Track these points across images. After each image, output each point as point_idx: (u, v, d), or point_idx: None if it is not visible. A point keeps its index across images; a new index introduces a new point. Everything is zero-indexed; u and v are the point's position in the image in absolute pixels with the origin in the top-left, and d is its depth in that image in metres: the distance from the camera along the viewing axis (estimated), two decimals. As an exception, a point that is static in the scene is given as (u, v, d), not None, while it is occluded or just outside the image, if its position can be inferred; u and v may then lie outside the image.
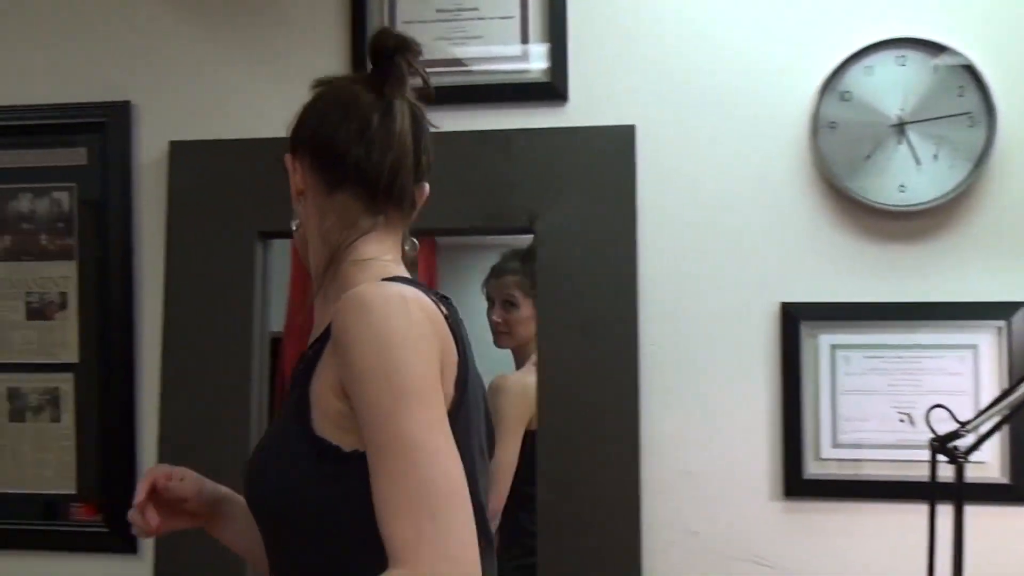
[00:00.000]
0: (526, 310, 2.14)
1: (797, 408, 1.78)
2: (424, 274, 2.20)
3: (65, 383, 1.96)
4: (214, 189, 1.89)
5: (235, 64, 1.94)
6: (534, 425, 2.07)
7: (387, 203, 1.12)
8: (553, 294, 1.81)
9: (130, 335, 1.94)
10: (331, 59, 1.90)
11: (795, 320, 1.79)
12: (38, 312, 1.97)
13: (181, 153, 1.92)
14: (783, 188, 1.82)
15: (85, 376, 1.95)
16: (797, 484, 1.78)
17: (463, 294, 2.28)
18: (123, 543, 1.92)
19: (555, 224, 1.81)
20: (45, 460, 1.95)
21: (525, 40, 1.86)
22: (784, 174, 1.82)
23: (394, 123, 1.10)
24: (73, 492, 1.94)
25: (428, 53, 1.82)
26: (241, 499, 1.22)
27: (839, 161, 1.78)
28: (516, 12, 1.86)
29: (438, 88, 1.77)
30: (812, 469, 1.78)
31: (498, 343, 2.20)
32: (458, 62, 1.88)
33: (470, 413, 1.05)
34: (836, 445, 1.78)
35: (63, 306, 1.96)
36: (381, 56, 1.13)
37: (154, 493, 1.22)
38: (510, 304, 2.17)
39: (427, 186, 1.19)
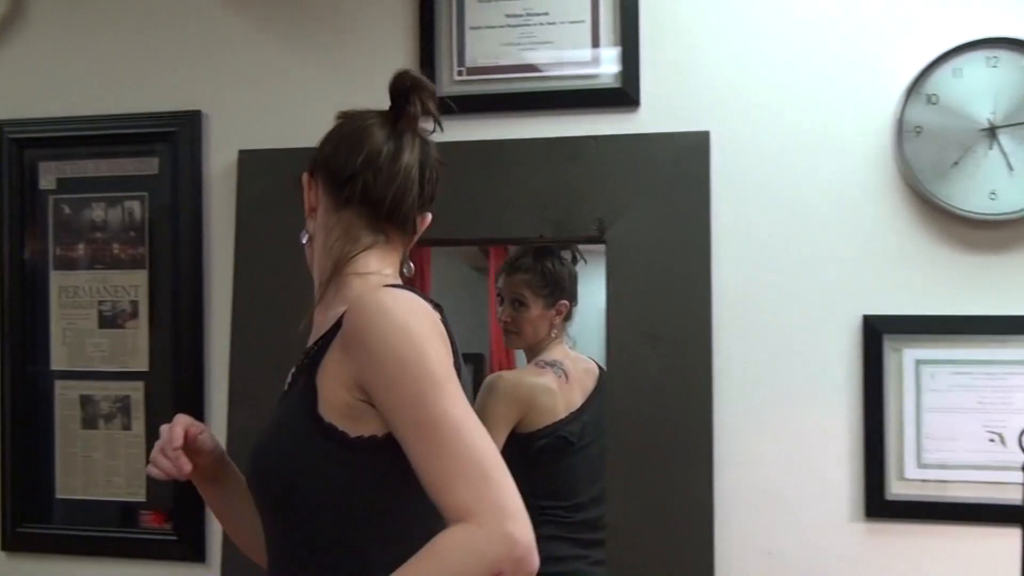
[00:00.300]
0: (535, 310, 2.09)
1: (880, 426, 1.71)
2: (494, 281, 2.17)
3: (136, 391, 1.97)
4: (283, 198, 1.83)
5: (304, 72, 1.94)
6: (524, 428, 2.02)
7: (389, 225, 1.22)
8: (623, 305, 1.77)
9: (200, 344, 1.95)
10: (399, 66, 1.82)
11: (878, 334, 1.72)
12: (110, 320, 1.99)
13: (250, 162, 1.92)
14: (865, 196, 1.75)
15: (155, 384, 1.97)
16: (879, 505, 1.71)
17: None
18: (192, 551, 1.93)
19: (626, 233, 1.77)
20: (116, 467, 1.97)
21: (596, 44, 1.82)
22: (867, 181, 1.75)
23: (402, 156, 1.20)
24: (143, 500, 1.96)
25: (496, 59, 1.84)
26: (241, 477, 1.30)
27: (925, 167, 1.70)
28: (587, 16, 1.82)
29: (508, 95, 1.86)
30: (895, 490, 1.71)
31: (506, 343, 2.15)
32: (527, 68, 1.84)
33: None
34: (921, 465, 1.71)
35: (134, 314, 1.98)
36: (398, 94, 1.23)
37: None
38: (519, 303, 2.10)
39: (430, 216, 1.28)
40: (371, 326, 1.07)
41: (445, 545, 0.97)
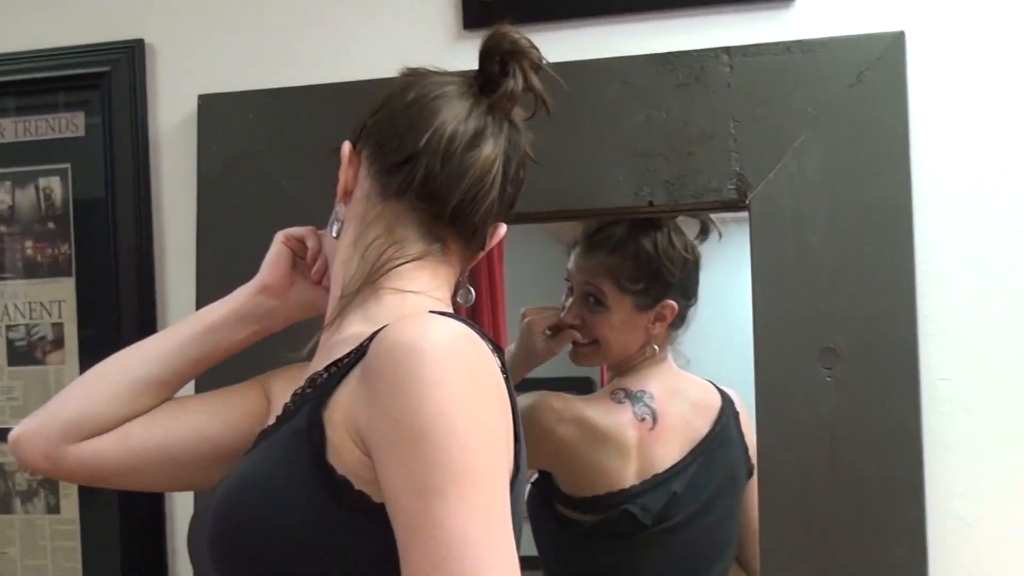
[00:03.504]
0: (619, 313, 1.48)
1: None
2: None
3: (65, 457, 1.57)
4: (262, 160, 1.52)
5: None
6: (571, 488, 1.47)
7: (451, 231, 1.05)
8: (779, 304, 1.35)
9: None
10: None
11: None
12: (24, 353, 1.58)
13: (215, 110, 1.55)
14: None
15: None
16: None
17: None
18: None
19: (780, 195, 1.35)
20: (40, 568, 1.55)
21: None
22: None
23: (483, 143, 1.03)
24: (80, 612, 1.55)
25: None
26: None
27: None
28: None
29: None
30: None
31: (574, 357, 1.53)
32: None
33: (521, 487, 0.98)
34: None
35: (58, 343, 1.57)
36: (491, 60, 1.06)
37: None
38: (594, 300, 1.48)
39: (504, 227, 1.12)
40: (394, 370, 0.87)
41: None
